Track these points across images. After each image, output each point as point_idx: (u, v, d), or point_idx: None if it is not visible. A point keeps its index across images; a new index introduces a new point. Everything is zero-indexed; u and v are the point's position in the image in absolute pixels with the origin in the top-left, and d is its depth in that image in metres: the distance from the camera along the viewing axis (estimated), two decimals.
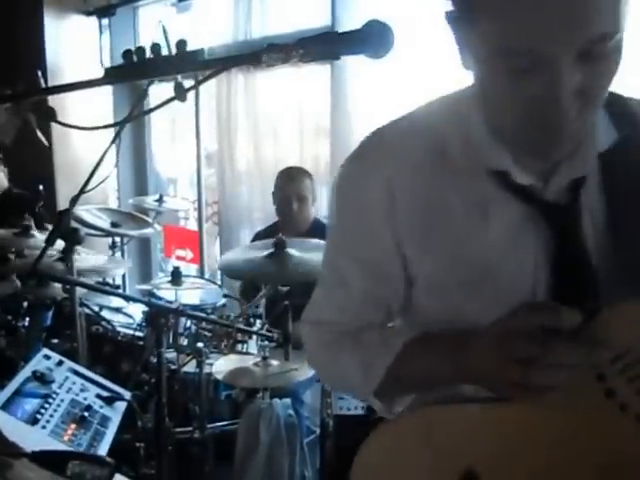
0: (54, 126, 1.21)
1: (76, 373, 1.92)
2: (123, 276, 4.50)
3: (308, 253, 2.35)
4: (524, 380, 0.77)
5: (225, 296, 3.10)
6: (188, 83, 1.04)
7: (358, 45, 0.97)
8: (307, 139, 3.54)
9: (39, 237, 2.82)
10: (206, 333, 2.58)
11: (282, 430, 2.38)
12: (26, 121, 1.40)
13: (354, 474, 0.89)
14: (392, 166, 0.92)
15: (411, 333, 0.97)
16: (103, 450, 1.67)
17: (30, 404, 1.69)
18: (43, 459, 1.19)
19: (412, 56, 2.62)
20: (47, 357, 1.91)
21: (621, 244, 0.87)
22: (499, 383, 0.82)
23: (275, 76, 3.48)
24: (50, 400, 1.74)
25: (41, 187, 3.42)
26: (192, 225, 4.75)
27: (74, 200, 2.07)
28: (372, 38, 0.95)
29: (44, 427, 1.65)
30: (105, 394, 1.90)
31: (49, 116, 1.24)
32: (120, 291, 3.70)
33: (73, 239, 2.30)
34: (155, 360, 2.28)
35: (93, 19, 4.49)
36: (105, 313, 3.17)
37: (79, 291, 2.53)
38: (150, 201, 3.77)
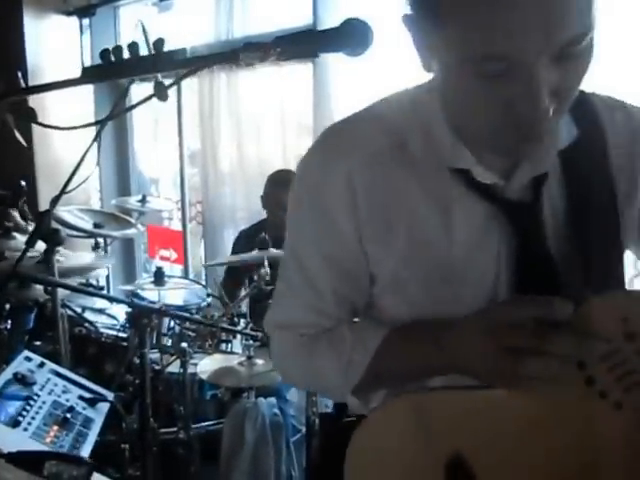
0: (35, 126, 1.20)
1: (58, 375, 1.91)
2: (107, 277, 4.47)
3: None
4: (516, 369, 0.76)
5: (209, 295, 3.10)
6: (169, 83, 1.03)
7: (336, 43, 0.97)
8: (290, 138, 3.54)
9: (20, 239, 2.80)
10: (190, 333, 2.57)
11: (268, 429, 2.38)
12: (4, 122, 1.39)
13: (348, 461, 0.89)
14: (352, 159, 0.89)
15: (387, 326, 0.95)
16: (86, 451, 1.67)
17: (12, 406, 1.68)
18: (20, 460, 1.18)
19: (394, 54, 2.62)
20: (28, 359, 1.90)
21: (581, 241, 0.88)
22: (488, 371, 0.81)
23: (257, 75, 3.47)
24: (32, 402, 1.73)
25: (23, 183, 3.41)
26: (176, 225, 4.73)
27: (55, 201, 2.05)
28: (350, 36, 0.95)
29: (26, 429, 1.64)
30: (87, 395, 1.89)
31: (29, 117, 1.23)
32: (102, 292, 3.68)
33: (54, 240, 2.29)
34: (138, 361, 2.27)
35: (73, 19, 4.46)
36: (88, 314, 3.15)
37: (62, 293, 2.52)
38: (133, 201, 3.76)
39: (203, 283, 3.43)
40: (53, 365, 1.95)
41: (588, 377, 0.81)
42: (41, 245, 2.34)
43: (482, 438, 0.84)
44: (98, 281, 3.49)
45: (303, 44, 1.02)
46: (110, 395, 1.98)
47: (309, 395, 2.29)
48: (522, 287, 0.88)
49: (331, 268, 0.95)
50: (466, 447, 0.85)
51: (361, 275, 0.95)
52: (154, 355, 2.63)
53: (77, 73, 1.19)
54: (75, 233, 3.30)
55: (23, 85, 1.20)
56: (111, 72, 1.21)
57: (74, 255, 2.88)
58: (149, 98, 1.12)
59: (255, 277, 2.40)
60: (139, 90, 1.24)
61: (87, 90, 4.28)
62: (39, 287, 2.69)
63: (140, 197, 3.74)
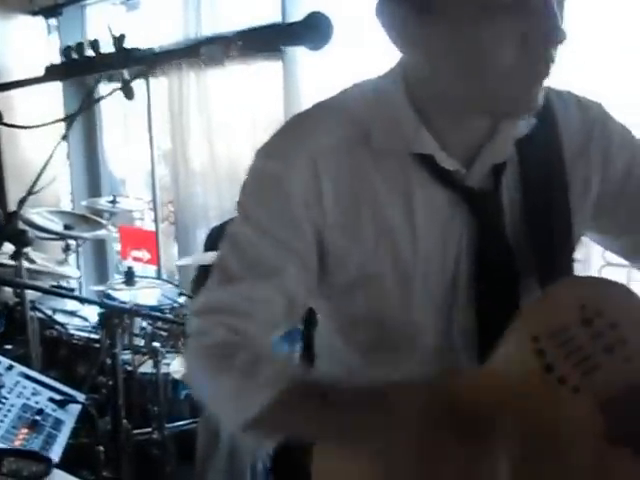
0: (2, 127, 1.19)
1: (27, 377, 1.89)
2: (79, 279, 4.43)
3: None
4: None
5: (181, 294, 3.08)
6: (138, 83, 1.03)
7: (297, 37, 0.97)
8: (261, 136, 3.51)
9: None
10: (162, 333, 2.56)
11: None
12: None
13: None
14: (317, 145, 0.88)
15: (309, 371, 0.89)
16: (56, 452, 1.65)
17: None
18: None
19: (364, 50, 2.63)
20: None
21: (534, 232, 0.90)
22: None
23: (227, 73, 3.46)
24: (0, 405, 1.71)
25: None
26: (148, 225, 4.69)
27: (22, 201, 2.04)
28: (313, 29, 0.96)
29: None
30: (58, 397, 1.87)
31: None
32: (72, 293, 3.64)
33: (21, 241, 2.26)
34: (110, 362, 2.26)
35: (40, 19, 4.40)
36: (59, 316, 3.11)
37: (32, 295, 2.49)
38: (104, 202, 3.74)
39: (176, 283, 3.41)
40: (22, 368, 1.93)
41: (547, 365, 0.82)
42: (10, 247, 2.32)
43: None
44: (69, 282, 3.46)
45: (265, 37, 1.03)
46: (81, 397, 1.96)
47: None
48: (480, 278, 0.89)
49: (278, 257, 0.88)
50: None
51: (309, 268, 0.90)
52: (126, 356, 2.61)
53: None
54: (45, 235, 3.26)
55: None
56: (75, 70, 1.21)
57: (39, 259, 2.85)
58: (114, 91, 1.12)
59: None
60: (107, 90, 1.23)
61: (56, 89, 4.23)
62: (8, 290, 2.66)
63: (111, 198, 3.71)
